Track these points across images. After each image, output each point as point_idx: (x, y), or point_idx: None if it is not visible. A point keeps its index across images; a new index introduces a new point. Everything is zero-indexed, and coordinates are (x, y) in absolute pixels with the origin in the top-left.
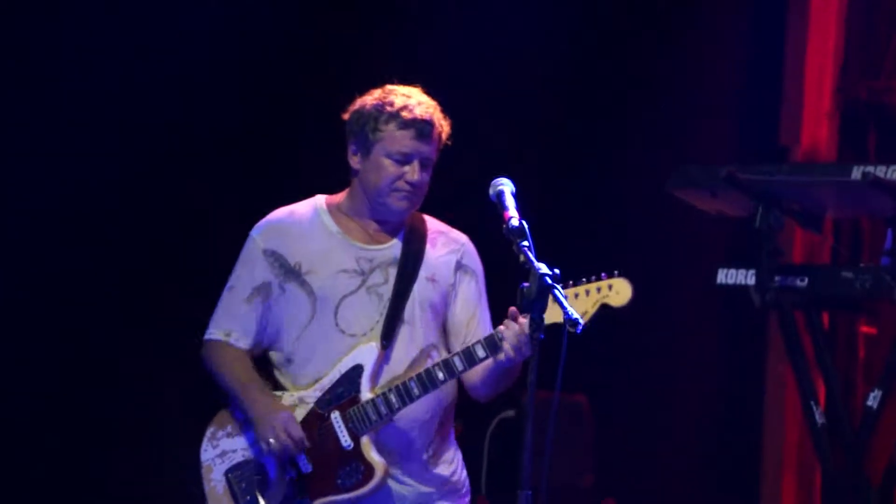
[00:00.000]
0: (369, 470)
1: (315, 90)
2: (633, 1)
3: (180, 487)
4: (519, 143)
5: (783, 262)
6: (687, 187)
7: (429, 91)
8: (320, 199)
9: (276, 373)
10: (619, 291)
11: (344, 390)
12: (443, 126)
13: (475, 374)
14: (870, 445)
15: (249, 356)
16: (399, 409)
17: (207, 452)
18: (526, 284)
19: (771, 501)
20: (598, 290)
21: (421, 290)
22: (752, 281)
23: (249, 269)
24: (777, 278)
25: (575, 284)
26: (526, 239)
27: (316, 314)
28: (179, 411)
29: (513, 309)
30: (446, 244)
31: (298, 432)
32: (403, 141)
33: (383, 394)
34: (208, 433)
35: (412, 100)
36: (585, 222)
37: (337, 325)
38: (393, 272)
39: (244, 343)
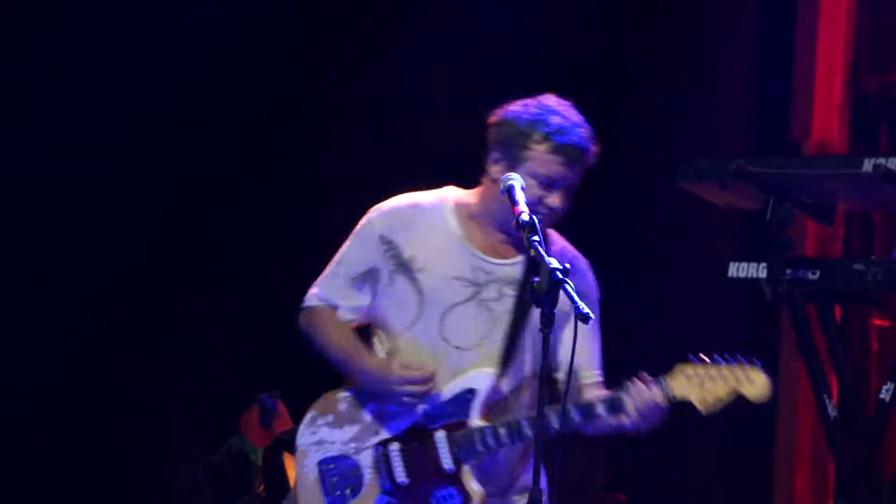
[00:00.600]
0: (467, 499)
1: (315, 90)
2: None
3: (181, 485)
4: None
5: (794, 255)
6: (697, 180)
7: (429, 92)
8: (449, 195)
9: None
10: (755, 383)
11: (454, 411)
12: (593, 150)
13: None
14: (883, 438)
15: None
16: (506, 445)
17: (304, 437)
18: (536, 279)
19: (784, 494)
20: (737, 378)
21: (536, 317)
22: (763, 274)
23: (361, 250)
24: (788, 271)
25: (712, 363)
26: (536, 233)
27: (422, 316)
28: (180, 413)
29: (643, 375)
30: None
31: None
32: (552, 166)
33: (494, 427)
34: (308, 417)
35: (568, 122)
36: (594, 217)
37: (441, 332)
38: (508, 291)
39: (346, 317)
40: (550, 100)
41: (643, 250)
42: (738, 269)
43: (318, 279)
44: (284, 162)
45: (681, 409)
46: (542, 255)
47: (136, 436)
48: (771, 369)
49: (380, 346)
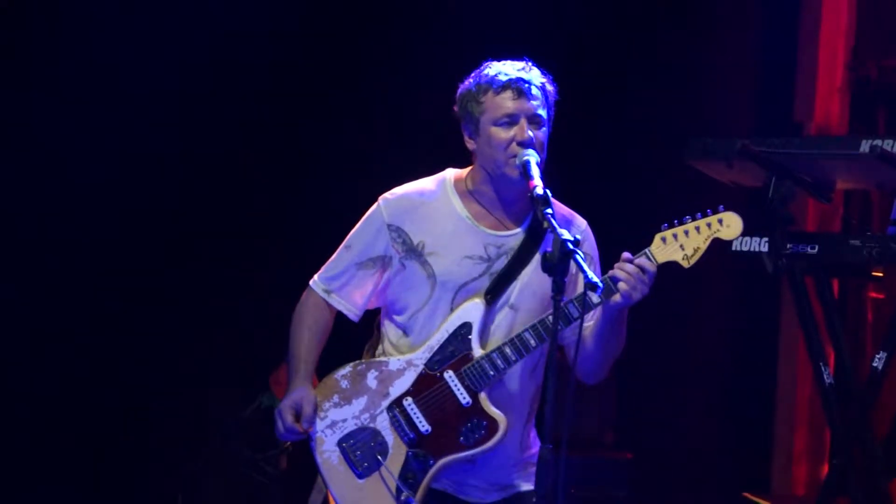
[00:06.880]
0: (493, 424)
1: (318, 91)
2: None
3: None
4: None
5: (795, 230)
6: (704, 158)
7: (431, 90)
8: (449, 177)
9: (387, 342)
10: (729, 225)
11: (455, 349)
12: (545, 82)
13: (587, 338)
14: (875, 404)
15: (330, 323)
16: (515, 361)
17: (316, 424)
18: (549, 250)
19: (783, 455)
20: (709, 225)
21: (532, 273)
22: (765, 248)
23: (370, 237)
24: (789, 246)
25: (682, 223)
26: (550, 206)
27: (433, 297)
28: (214, 371)
29: (626, 253)
30: (568, 231)
31: (289, 421)
32: (504, 105)
33: (498, 348)
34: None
35: (505, 66)
36: (602, 193)
37: (452, 311)
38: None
39: (342, 307)
40: (488, 63)
41: (649, 226)
42: (741, 244)
43: (328, 262)
44: (286, 161)
45: (686, 367)
46: (554, 227)
47: (167, 392)
48: (771, 338)
49: (392, 329)
